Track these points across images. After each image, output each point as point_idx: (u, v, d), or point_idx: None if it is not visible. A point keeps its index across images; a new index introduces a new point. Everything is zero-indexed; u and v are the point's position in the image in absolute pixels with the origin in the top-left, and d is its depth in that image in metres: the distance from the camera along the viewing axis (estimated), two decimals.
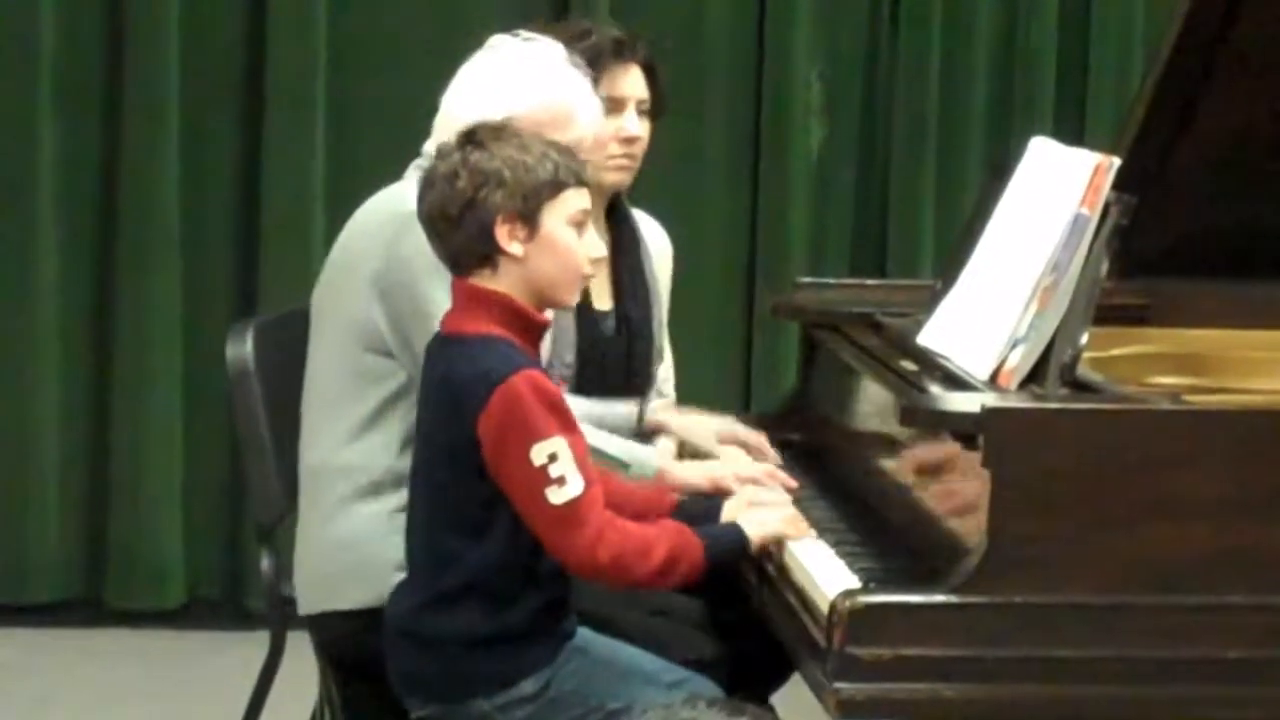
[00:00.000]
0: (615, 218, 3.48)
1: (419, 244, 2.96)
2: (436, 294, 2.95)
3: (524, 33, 3.20)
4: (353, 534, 3.05)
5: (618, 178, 3.43)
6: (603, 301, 3.44)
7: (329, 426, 3.10)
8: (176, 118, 5.01)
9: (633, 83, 3.41)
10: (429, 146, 3.16)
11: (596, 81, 3.23)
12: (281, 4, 5.03)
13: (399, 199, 3.07)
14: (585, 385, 3.35)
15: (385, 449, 3.04)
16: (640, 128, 3.41)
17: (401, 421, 3.03)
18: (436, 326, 2.92)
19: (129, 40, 5.00)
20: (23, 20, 4.96)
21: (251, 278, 5.09)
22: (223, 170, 5.11)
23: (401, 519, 2.96)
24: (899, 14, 5.21)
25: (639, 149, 3.42)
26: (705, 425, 3.39)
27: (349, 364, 3.07)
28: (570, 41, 3.28)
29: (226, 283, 5.12)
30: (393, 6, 5.07)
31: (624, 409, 3.34)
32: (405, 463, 2.99)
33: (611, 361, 3.40)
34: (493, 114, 3.04)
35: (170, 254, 5.03)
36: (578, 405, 3.04)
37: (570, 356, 3.36)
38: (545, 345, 3.02)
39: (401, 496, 2.99)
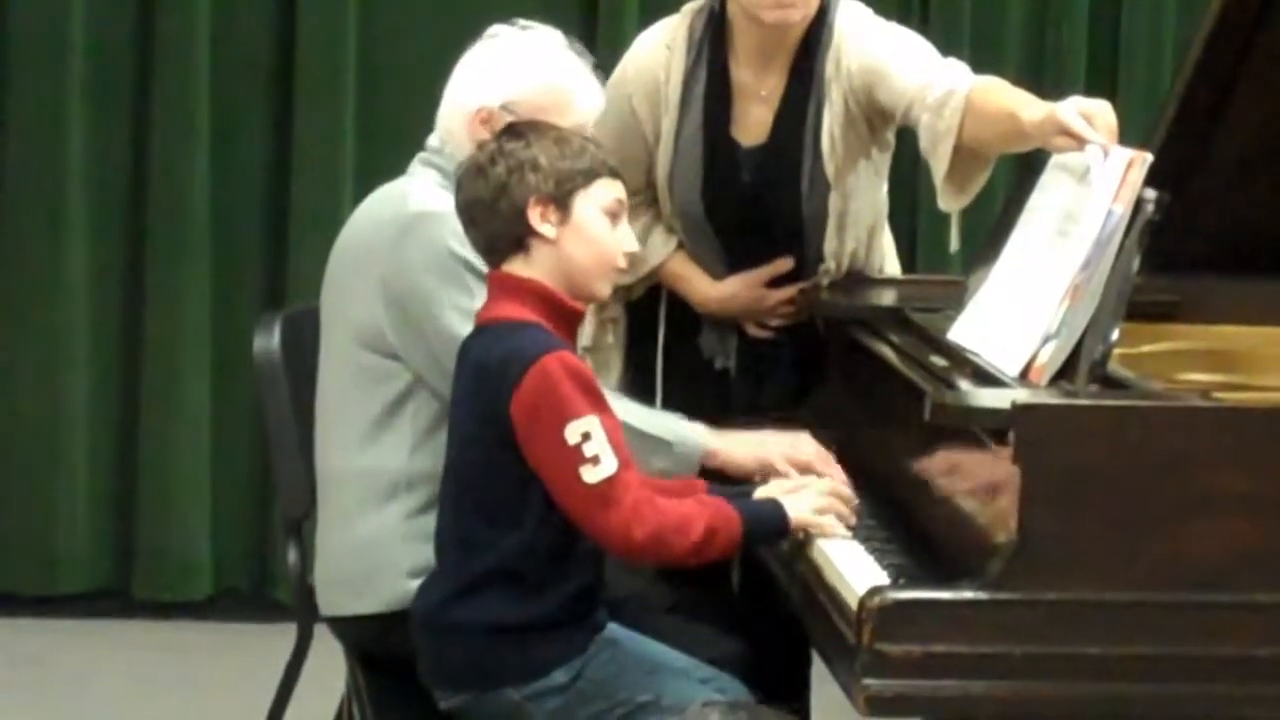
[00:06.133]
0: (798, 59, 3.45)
1: (424, 244, 2.96)
2: (446, 292, 2.96)
3: (522, 21, 3.19)
4: (367, 539, 3.04)
5: (775, 15, 3.38)
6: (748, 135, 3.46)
7: (340, 429, 3.09)
8: (207, 114, 5.03)
9: None
10: (434, 140, 3.15)
11: None
12: (312, 2, 5.04)
13: (403, 198, 3.05)
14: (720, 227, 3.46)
15: (397, 452, 3.02)
16: None
17: (411, 423, 3.02)
18: (449, 322, 2.93)
19: (159, 37, 5.02)
20: (54, 18, 4.98)
21: (280, 273, 5.11)
22: (252, 166, 5.13)
23: (416, 524, 2.97)
24: (929, 15, 5.20)
25: None
26: (760, 446, 3.13)
27: (352, 364, 3.05)
28: None
29: (256, 278, 5.14)
30: (422, 6, 5.07)
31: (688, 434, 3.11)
32: (418, 465, 2.99)
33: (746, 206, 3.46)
34: (493, 99, 3.04)
35: (200, 249, 5.05)
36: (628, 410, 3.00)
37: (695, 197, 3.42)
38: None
39: (415, 500, 3.00)
